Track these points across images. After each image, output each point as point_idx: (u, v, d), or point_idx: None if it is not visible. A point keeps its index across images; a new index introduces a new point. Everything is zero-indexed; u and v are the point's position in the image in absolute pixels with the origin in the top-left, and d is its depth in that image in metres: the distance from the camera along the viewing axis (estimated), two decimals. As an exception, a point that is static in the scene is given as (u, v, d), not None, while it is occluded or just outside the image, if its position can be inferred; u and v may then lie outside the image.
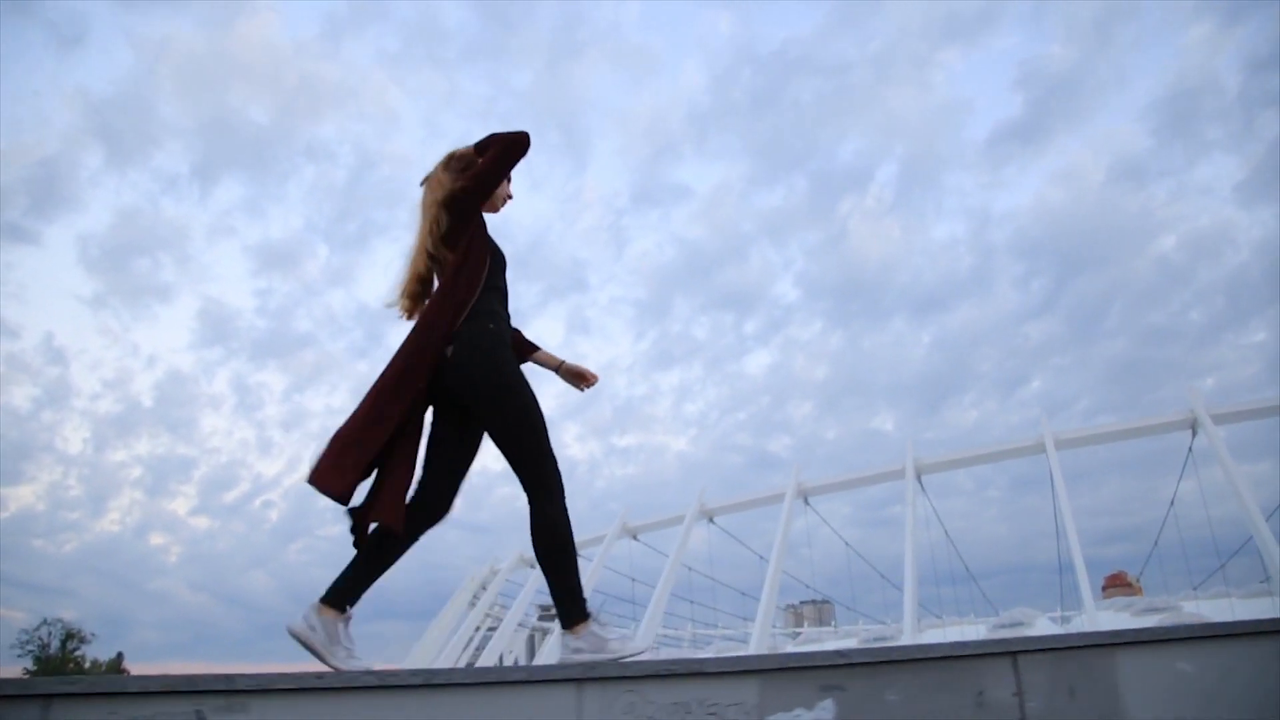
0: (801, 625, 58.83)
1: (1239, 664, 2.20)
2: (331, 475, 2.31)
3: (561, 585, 2.37)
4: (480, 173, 2.60)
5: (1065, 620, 31.68)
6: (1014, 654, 1.98)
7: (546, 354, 2.83)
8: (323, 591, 2.35)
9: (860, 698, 1.87)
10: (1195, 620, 24.57)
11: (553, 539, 2.38)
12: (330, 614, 2.33)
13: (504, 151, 2.60)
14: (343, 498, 2.33)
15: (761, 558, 31.86)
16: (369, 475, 2.38)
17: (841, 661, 1.89)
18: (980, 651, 1.97)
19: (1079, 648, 2.06)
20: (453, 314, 2.45)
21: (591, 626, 2.34)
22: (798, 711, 1.82)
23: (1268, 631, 2.26)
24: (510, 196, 2.80)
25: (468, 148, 2.72)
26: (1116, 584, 47.37)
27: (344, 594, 2.36)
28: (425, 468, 2.51)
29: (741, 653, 30.51)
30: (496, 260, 2.64)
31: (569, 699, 1.78)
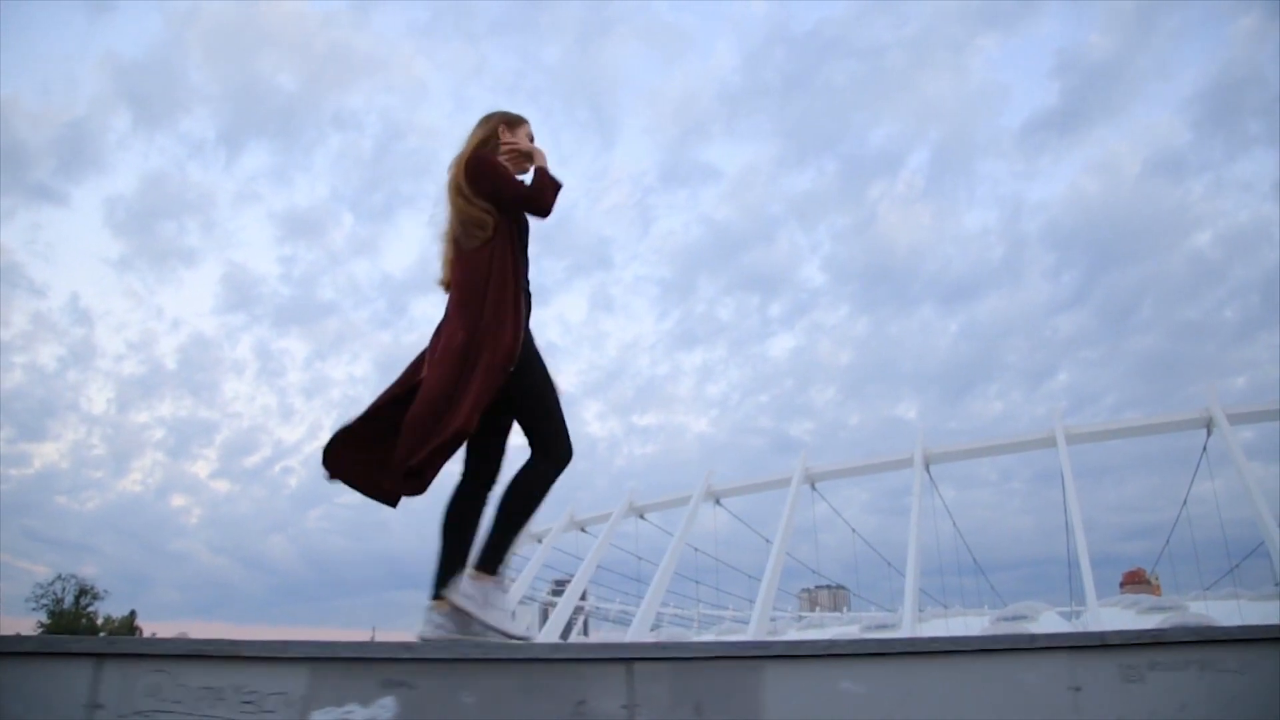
0: (815, 609, 58.55)
1: (919, 686, 1.96)
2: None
3: (500, 538, 2.39)
4: (514, 196, 2.57)
5: (1074, 615, 31.06)
6: (629, 661, 1.77)
7: None
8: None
9: (429, 697, 1.68)
10: (1202, 622, 23.88)
11: (525, 494, 2.43)
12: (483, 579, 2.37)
13: (541, 195, 2.58)
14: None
15: (767, 541, 31.63)
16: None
17: (408, 655, 1.69)
18: (586, 656, 1.77)
19: (713, 659, 1.83)
20: (483, 288, 2.47)
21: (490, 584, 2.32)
22: (350, 708, 1.65)
23: (950, 651, 2.01)
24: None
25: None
26: (1135, 581, 46.45)
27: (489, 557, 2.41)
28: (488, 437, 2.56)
29: (742, 636, 30.42)
30: (522, 230, 2.64)
31: (84, 676, 1.61)
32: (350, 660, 1.69)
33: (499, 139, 2.69)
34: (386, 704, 1.66)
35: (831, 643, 1.96)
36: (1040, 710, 2.01)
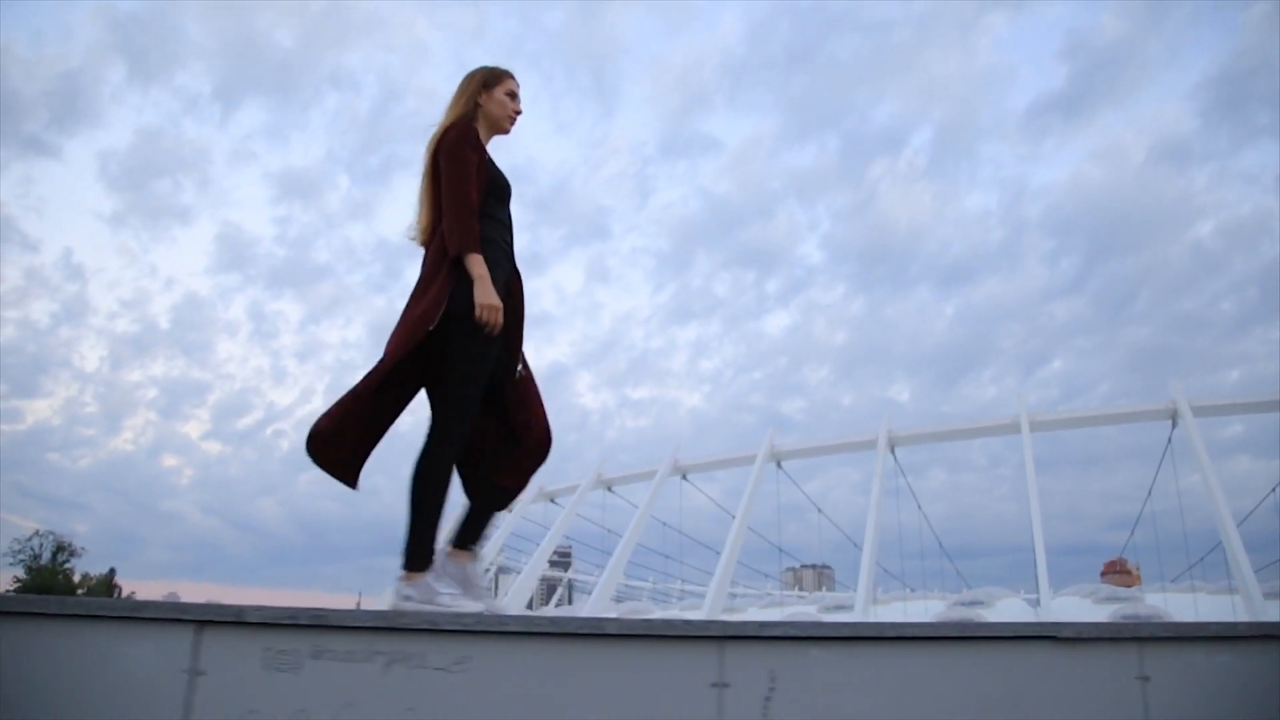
0: (795, 588, 58.61)
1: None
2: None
3: (412, 528, 2.38)
4: (447, 196, 2.46)
5: (1036, 603, 30.86)
6: None
7: None
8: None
9: None
10: (1153, 615, 23.51)
11: (424, 481, 2.38)
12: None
13: (456, 231, 2.41)
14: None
15: (733, 517, 31.48)
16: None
17: None
18: None
19: None
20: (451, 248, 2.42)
21: (427, 578, 2.36)
22: None
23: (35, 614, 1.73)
24: (519, 113, 2.71)
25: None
26: (1115, 570, 46.02)
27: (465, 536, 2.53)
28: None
29: (698, 615, 30.36)
30: (496, 189, 2.56)
31: None
32: None
33: (479, 103, 2.63)
34: None
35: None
36: (152, 688, 1.73)
